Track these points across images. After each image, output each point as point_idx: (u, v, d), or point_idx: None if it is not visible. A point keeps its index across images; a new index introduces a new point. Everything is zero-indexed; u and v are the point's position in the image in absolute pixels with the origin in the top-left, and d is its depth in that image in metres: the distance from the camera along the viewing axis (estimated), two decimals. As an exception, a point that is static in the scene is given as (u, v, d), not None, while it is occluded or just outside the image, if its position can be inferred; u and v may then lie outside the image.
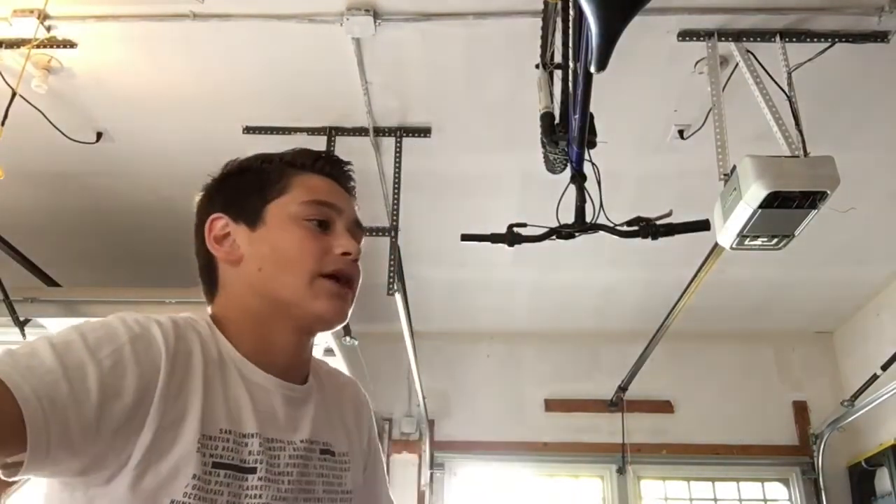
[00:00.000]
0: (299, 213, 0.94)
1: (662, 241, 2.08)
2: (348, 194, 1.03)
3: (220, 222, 0.97)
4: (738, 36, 2.55)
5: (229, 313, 0.95)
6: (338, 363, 3.17)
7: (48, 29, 2.53)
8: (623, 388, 4.55)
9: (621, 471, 4.59)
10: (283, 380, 0.94)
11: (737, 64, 2.57)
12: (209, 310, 0.98)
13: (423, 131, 3.07)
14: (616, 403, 4.68)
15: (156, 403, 0.80)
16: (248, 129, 3.08)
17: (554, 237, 2.12)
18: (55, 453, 0.73)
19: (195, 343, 0.88)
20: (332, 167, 1.01)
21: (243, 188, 0.98)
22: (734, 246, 2.36)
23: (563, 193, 2.11)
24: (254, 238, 0.94)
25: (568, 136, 2.07)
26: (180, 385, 0.83)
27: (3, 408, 0.70)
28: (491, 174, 3.34)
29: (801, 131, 2.36)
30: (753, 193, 2.13)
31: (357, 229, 1.01)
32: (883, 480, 4.15)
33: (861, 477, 4.36)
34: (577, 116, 1.88)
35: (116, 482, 0.78)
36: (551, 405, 4.81)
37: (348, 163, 1.04)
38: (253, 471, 0.85)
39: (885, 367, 3.63)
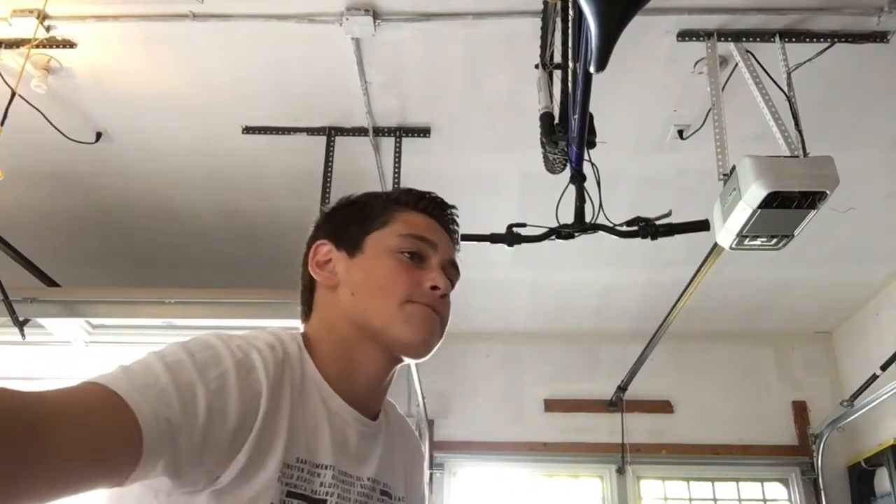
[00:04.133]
0: (395, 245, 0.96)
1: (662, 241, 2.08)
2: (449, 237, 1.03)
3: (323, 248, 1.00)
4: (737, 36, 2.55)
5: (320, 335, 0.96)
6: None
7: (48, 29, 2.53)
8: (623, 388, 4.55)
9: (621, 471, 4.58)
10: (359, 412, 0.94)
11: (736, 64, 2.57)
12: (302, 328, 1.00)
13: (423, 131, 3.07)
14: (615, 403, 4.68)
15: (255, 431, 0.80)
16: (248, 129, 3.08)
17: (553, 237, 2.12)
18: (159, 472, 0.72)
19: (287, 367, 0.89)
20: (434, 208, 1.03)
21: (347, 219, 1.01)
22: (734, 246, 2.36)
23: (562, 193, 2.11)
24: (351, 265, 0.97)
25: (567, 136, 2.07)
26: (275, 413, 0.84)
27: (126, 427, 0.68)
28: (490, 174, 3.34)
29: (800, 131, 2.36)
30: (753, 193, 2.13)
31: (452, 269, 1.01)
32: (882, 480, 4.15)
33: (860, 477, 4.35)
34: (576, 116, 1.88)
35: (200, 497, 0.79)
36: (551, 405, 4.81)
37: (453, 206, 1.06)
38: (323, 502, 0.86)
39: (884, 367, 3.63)
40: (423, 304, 0.93)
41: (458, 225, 1.06)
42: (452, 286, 1.00)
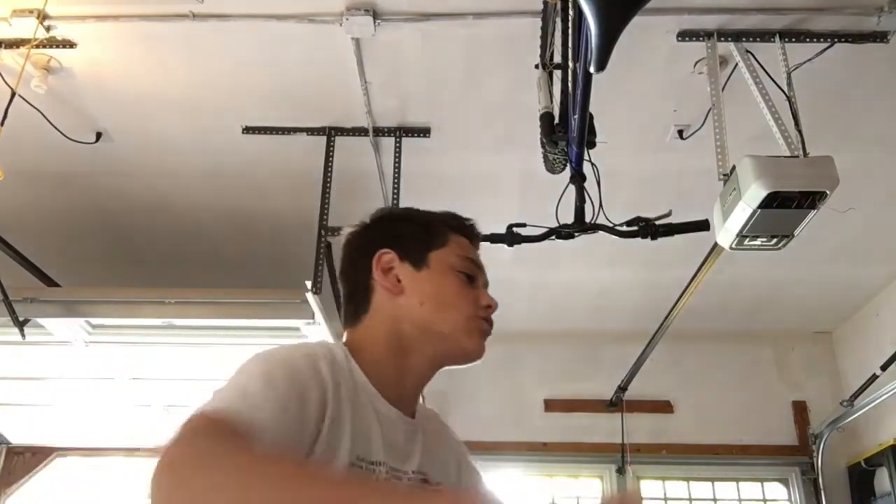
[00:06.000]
0: (456, 265, 1.11)
1: (662, 241, 2.08)
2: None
3: (387, 256, 1.11)
4: (737, 36, 2.55)
5: (374, 337, 1.07)
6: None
7: (47, 29, 2.53)
8: (622, 388, 4.55)
9: (621, 471, 4.58)
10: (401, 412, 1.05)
11: (736, 64, 2.57)
12: (345, 336, 1.11)
13: (423, 131, 3.07)
14: (615, 403, 4.68)
15: (324, 431, 0.90)
16: (248, 129, 3.08)
17: (553, 237, 2.12)
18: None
19: (341, 374, 0.98)
20: (474, 233, 1.19)
21: (410, 234, 1.14)
22: (734, 246, 2.36)
23: (562, 193, 2.11)
24: (418, 277, 1.09)
25: (567, 136, 2.07)
26: (338, 412, 0.93)
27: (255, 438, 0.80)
28: (491, 174, 3.34)
29: (800, 131, 2.36)
30: (753, 193, 2.13)
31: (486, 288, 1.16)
32: (882, 480, 4.15)
33: (860, 477, 4.35)
34: (576, 116, 1.88)
35: None
36: (551, 405, 4.80)
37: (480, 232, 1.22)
38: None
39: (884, 367, 3.63)
40: (482, 318, 1.09)
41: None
42: None
